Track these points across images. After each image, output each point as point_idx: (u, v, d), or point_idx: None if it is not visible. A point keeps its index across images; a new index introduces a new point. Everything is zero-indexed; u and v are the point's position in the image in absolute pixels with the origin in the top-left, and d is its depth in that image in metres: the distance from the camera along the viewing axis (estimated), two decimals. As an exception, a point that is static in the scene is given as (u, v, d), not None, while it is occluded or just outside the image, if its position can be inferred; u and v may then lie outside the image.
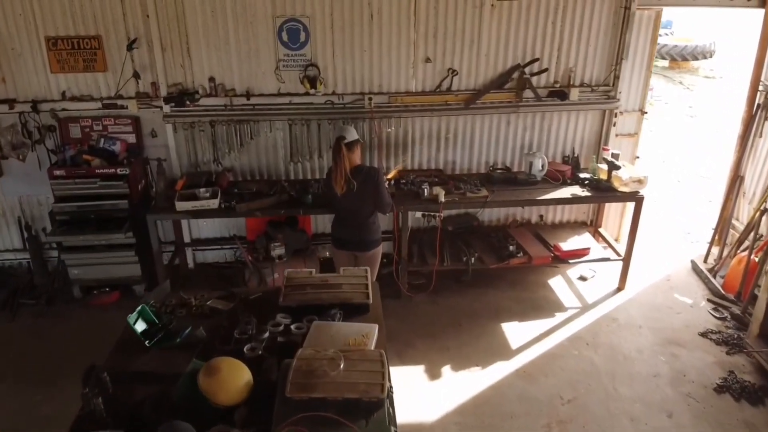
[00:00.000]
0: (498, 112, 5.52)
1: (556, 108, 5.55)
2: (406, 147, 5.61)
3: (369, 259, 4.35)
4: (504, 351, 4.64)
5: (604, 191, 5.12)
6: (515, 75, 5.39)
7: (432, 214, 4.98)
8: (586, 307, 5.23)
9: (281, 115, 5.29)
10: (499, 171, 5.56)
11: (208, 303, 3.03)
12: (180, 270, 5.72)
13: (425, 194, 5.00)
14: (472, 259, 5.26)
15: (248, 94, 5.23)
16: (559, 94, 5.48)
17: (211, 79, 5.17)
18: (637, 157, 5.96)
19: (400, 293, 5.26)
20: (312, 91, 5.18)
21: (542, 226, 5.95)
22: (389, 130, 5.45)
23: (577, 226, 5.96)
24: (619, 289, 5.50)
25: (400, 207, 4.86)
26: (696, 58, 15.97)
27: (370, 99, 5.30)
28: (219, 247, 5.80)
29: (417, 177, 5.37)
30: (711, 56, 16.19)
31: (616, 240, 6.13)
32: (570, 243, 5.44)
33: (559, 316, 5.09)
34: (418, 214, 5.09)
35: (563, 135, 5.74)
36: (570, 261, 5.34)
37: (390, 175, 4.81)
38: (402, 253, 5.08)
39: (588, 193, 5.12)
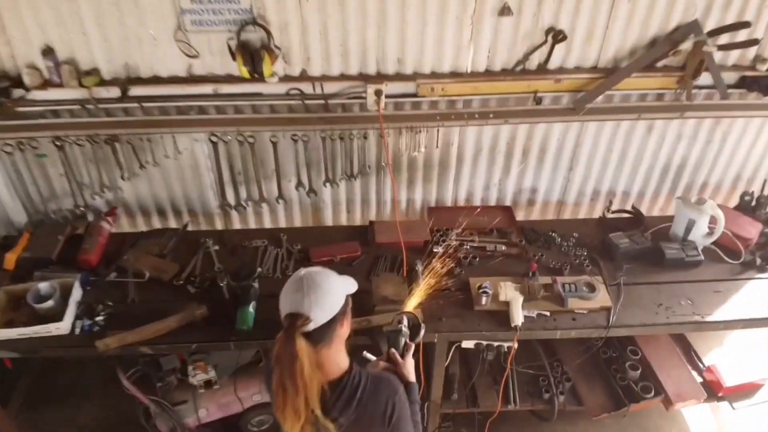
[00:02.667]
0: (635, 112, 2.78)
1: (748, 109, 2.79)
2: (447, 168, 2.99)
3: None
4: None
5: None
6: (686, 45, 2.56)
7: (498, 344, 2.55)
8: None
9: (196, 124, 2.63)
10: (614, 215, 2.98)
11: None
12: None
13: (483, 302, 2.51)
14: (561, 395, 2.90)
15: (126, 81, 2.53)
16: (763, 83, 2.68)
17: (48, 52, 2.45)
18: None
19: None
20: (256, 75, 2.47)
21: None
22: (417, 152, 2.79)
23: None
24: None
25: (430, 330, 2.41)
26: None
27: (378, 93, 2.58)
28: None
29: (463, 236, 2.82)
30: None
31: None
32: (734, 364, 2.99)
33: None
34: (470, 343, 2.64)
35: (743, 156, 3.03)
36: (733, 404, 2.95)
37: (410, 307, 2.30)
38: (432, 386, 2.74)
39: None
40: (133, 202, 2.98)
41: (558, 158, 2.99)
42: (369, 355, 2.08)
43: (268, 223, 3.09)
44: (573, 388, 2.95)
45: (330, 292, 1.58)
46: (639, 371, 2.93)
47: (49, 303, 2.45)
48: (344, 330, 1.65)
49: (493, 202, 3.15)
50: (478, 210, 2.96)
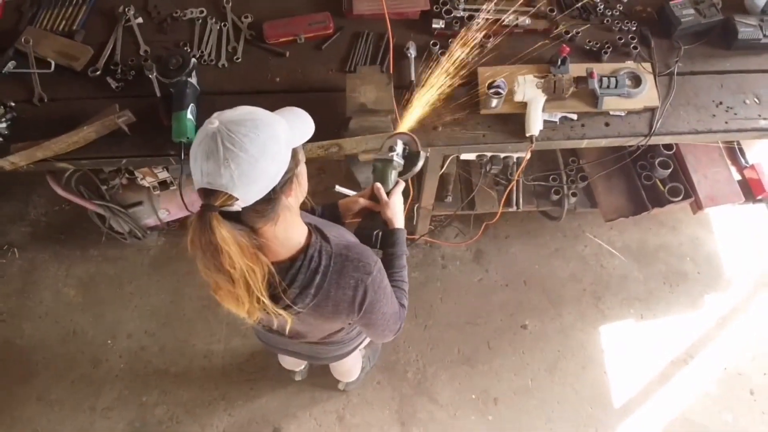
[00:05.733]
0: None
1: None
2: None
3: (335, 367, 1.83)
4: (601, 404, 2.49)
5: None
6: None
7: (507, 156, 2.03)
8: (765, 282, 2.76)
9: None
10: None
11: None
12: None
13: (494, 104, 1.90)
14: (572, 197, 2.51)
15: None
16: None
17: None
18: None
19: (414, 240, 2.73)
20: None
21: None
22: None
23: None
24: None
25: (422, 144, 1.87)
26: None
27: None
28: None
29: (474, 2, 2.09)
30: None
31: None
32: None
33: (711, 304, 2.69)
34: (471, 155, 2.09)
35: None
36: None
37: (404, 124, 1.69)
38: (423, 195, 2.34)
39: None
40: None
41: None
42: (343, 189, 1.62)
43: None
44: (588, 188, 2.56)
45: (263, 156, 0.99)
46: (670, 170, 2.49)
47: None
48: (294, 198, 1.14)
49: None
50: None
